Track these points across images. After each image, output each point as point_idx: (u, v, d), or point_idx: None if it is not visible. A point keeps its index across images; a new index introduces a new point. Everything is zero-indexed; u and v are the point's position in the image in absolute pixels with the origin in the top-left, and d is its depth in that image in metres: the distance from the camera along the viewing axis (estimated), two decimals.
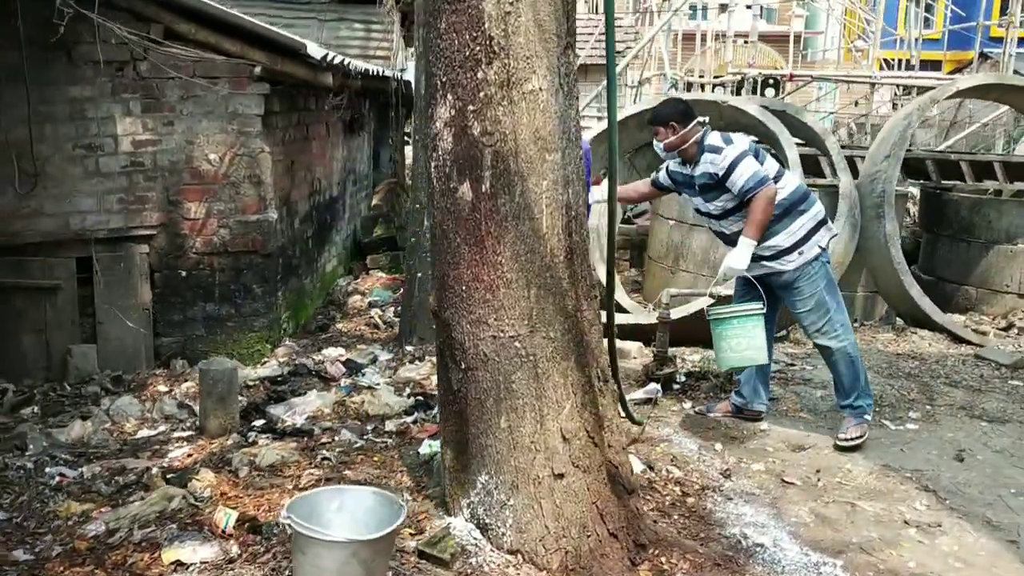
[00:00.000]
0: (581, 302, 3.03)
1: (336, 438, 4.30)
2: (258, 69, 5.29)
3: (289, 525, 2.43)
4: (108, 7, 4.95)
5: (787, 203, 4.29)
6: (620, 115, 7.65)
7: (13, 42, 4.78)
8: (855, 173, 7.23)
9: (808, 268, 4.33)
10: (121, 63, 5.14)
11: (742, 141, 4.29)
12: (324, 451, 4.08)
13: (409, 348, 5.89)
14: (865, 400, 4.46)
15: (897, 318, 7.08)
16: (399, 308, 6.73)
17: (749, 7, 16.92)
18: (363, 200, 9.49)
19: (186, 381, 5.14)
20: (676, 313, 5.69)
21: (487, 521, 3.04)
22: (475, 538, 3.04)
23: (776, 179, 4.26)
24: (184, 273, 5.44)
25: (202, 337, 5.53)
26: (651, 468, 3.99)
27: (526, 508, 2.97)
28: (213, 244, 5.44)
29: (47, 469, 3.86)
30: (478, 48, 2.76)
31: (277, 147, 5.85)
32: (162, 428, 4.52)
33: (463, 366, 3.00)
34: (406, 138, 11.31)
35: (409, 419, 4.58)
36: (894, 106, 14.70)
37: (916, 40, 15.23)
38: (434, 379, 4.40)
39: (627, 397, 4.99)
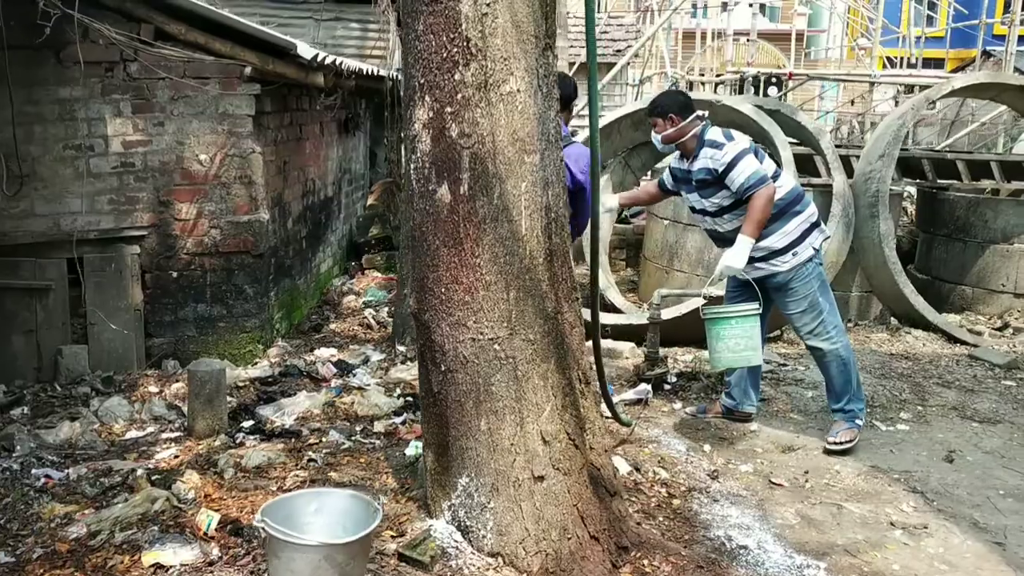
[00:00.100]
0: (561, 304, 3.02)
1: (324, 439, 4.29)
2: (248, 69, 5.27)
3: (263, 529, 2.43)
4: (98, 7, 4.95)
5: (783, 204, 4.26)
6: (615, 114, 7.65)
7: None
8: (851, 173, 7.22)
9: (801, 270, 4.31)
10: (111, 64, 5.13)
11: (743, 139, 4.26)
12: (311, 452, 4.08)
13: (401, 348, 5.88)
14: (856, 405, 4.43)
15: (892, 318, 7.06)
16: (393, 308, 6.72)
17: (751, 5, 16.91)
18: (359, 200, 9.48)
19: (177, 382, 5.14)
20: (668, 313, 5.68)
21: (468, 523, 3.03)
22: (456, 540, 3.04)
23: (774, 179, 4.24)
24: (175, 274, 5.43)
25: (194, 338, 5.52)
26: (638, 469, 3.98)
27: (506, 510, 2.96)
28: (204, 245, 5.43)
29: (33, 470, 3.85)
30: (455, 50, 2.75)
31: (269, 147, 5.84)
32: (151, 429, 4.52)
33: (443, 368, 2.99)
34: (403, 137, 11.24)
35: (398, 420, 4.58)
36: (896, 104, 14.63)
37: (918, 39, 15.18)
38: None
39: (618, 398, 5.00)
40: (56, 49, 4.95)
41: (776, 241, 4.27)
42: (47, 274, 5.20)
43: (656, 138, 4.40)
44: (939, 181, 8.29)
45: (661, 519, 3.56)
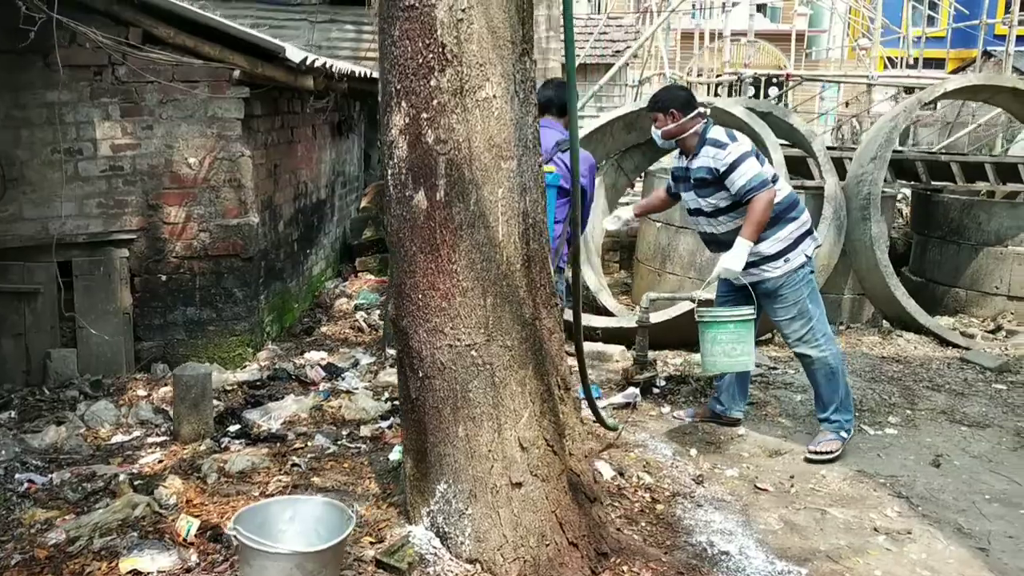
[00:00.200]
0: (539, 310, 3.01)
1: (309, 443, 4.29)
2: (237, 73, 5.26)
3: (235, 536, 2.42)
4: (85, 11, 4.94)
5: (779, 209, 4.24)
6: (608, 117, 7.64)
7: None
8: (844, 175, 7.20)
9: (792, 276, 4.29)
10: (99, 67, 5.12)
11: (746, 140, 4.23)
12: (295, 457, 4.07)
13: (391, 352, 5.87)
14: (843, 416, 4.40)
15: (884, 321, 7.04)
16: (384, 311, 6.71)
17: (751, 5, 16.87)
18: (353, 202, 9.47)
19: (165, 386, 5.13)
20: (658, 316, 5.67)
21: (446, 530, 3.02)
22: (434, 547, 3.03)
23: (773, 182, 4.22)
24: (164, 277, 5.42)
25: (183, 341, 5.51)
26: (622, 474, 3.96)
27: (484, 517, 2.95)
28: (193, 248, 5.42)
29: (16, 475, 3.85)
30: (431, 55, 2.74)
31: (259, 150, 5.83)
32: (137, 433, 4.51)
33: (420, 374, 2.98)
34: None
35: (384, 424, 4.57)
36: (897, 103, 14.60)
37: (918, 39, 15.14)
38: None
39: (606, 401, 5.00)
40: (43, 53, 4.94)
41: (769, 247, 4.25)
42: (36, 278, 5.19)
43: (656, 133, 4.35)
44: (933, 183, 8.27)
45: (643, 524, 3.55)
